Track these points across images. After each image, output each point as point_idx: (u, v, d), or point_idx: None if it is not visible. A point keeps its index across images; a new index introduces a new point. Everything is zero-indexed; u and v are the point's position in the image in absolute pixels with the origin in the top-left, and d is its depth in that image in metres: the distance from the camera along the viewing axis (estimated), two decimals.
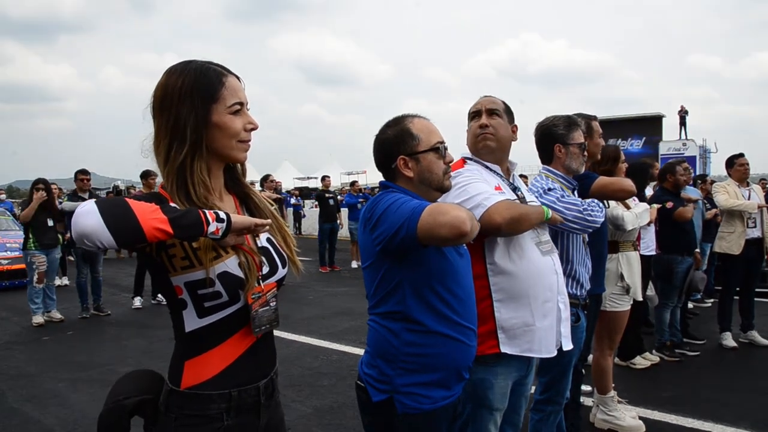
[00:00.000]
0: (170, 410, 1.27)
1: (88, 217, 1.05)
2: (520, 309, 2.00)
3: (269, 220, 1.30)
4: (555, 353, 2.10)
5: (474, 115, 2.16)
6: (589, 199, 2.41)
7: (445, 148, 1.73)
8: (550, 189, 2.42)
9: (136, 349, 5.50)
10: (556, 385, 2.55)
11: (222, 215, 1.17)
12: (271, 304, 1.33)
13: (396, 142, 1.71)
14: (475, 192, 1.94)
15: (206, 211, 1.16)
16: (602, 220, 2.36)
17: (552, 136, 2.55)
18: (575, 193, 2.61)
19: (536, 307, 2.01)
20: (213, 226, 1.15)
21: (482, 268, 2.01)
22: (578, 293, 2.55)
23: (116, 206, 1.08)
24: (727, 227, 5.30)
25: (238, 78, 1.32)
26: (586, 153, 2.57)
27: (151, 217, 1.08)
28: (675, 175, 4.89)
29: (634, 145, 20.59)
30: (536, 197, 2.36)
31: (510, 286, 2.00)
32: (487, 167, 2.14)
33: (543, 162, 2.64)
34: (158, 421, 1.30)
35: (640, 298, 3.74)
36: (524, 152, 2.72)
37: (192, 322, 1.27)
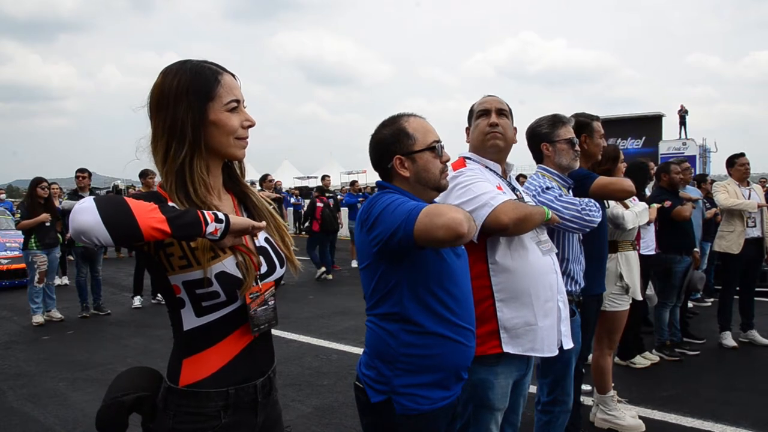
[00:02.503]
0: (168, 407, 1.27)
1: (85, 213, 1.05)
2: (523, 308, 2.00)
3: (264, 223, 1.30)
4: (556, 352, 2.10)
5: (482, 113, 2.17)
6: (587, 199, 2.41)
7: (442, 147, 1.72)
8: (548, 188, 2.43)
9: (135, 349, 5.50)
10: (560, 384, 2.56)
11: (221, 216, 1.18)
12: (270, 303, 1.33)
13: (392, 142, 1.70)
14: (480, 191, 1.95)
15: (205, 212, 1.16)
16: (599, 220, 2.37)
17: (538, 137, 2.59)
18: (570, 192, 2.61)
19: (538, 306, 2.02)
20: (212, 227, 1.15)
21: (484, 267, 2.01)
22: (573, 290, 2.57)
23: (114, 204, 1.08)
24: (727, 226, 5.30)
25: (233, 76, 1.32)
26: (578, 148, 2.58)
27: (149, 216, 1.08)
28: (670, 174, 4.90)
29: (634, 144, 20.59)
30: (534, 195, 2.37)
31: (512, 285, 2.01)
32: (487, 167, 2.14)
33: (538, 163, 2.66)
34: (156, 418, 1.30)
35: (640, 298, 3.75)
36: (525, 152, 2.74)
37: (190, 320, 1.27)
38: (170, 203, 1.23)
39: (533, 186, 2.48)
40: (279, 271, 1.39)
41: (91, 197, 1.10)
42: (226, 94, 1.28)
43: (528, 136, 2.63)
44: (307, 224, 9.61)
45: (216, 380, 1.27)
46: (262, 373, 1.36)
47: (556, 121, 2.56)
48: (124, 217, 1.06)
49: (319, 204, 9.61)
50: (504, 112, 2.15)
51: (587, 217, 2.31)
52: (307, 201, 20.85)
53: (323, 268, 9.58)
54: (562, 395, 2.57)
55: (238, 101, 1.30)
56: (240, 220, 1.23)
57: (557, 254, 2.26)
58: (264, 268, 1.34)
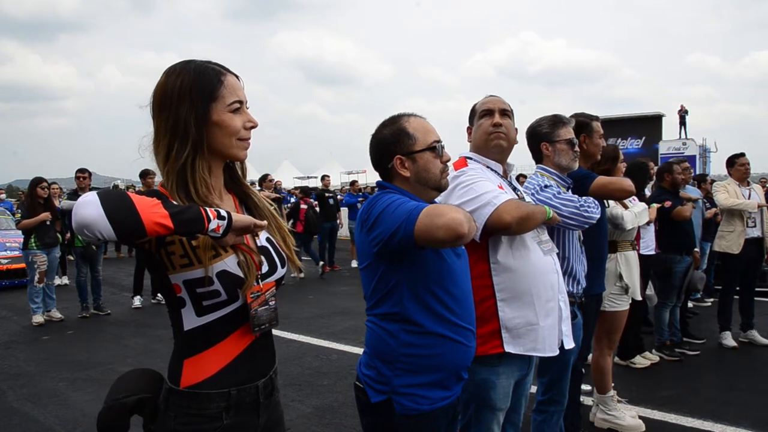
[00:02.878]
0: (169, 409, 1.27)
1: (89, 207, 1.05)
2: (524, 308, 2.01)
3: (266, 222, 1.30)
4: (558, 352, 2.10)
5: (485, 113, 2.17)
6: (585, 197, 2.42)
7: (442, 147, 1.72)
8: (546, 186, 2.44)
9: (135, 349, 5.50)
10: (557, 385, 2.57)
11: (223, 213, 1.18)
12: (270, 303, 1.33)
13: (392, 142, 1.70)
14: (482, 190, 1.95)
15: (207, 208, 1.16)
16: (598, 216, 2.38)
17: (538, 136, 2.60)
18: (569, 191, 2.62)
19: (540, 305, 2.02)
20: (214, 223, 1.15)
21: (485, 267, 2.02)
22: (575, 290, 2.57)
23: (118, 198, 1.08)
24: (727, 226, 5.30)
25: (236, 77, 1.32)
26: (577, 149, 2.59)
27: (152, 211, 1.08)
28: (673, 174, 4.90)
29: (634, 144, 20.61)
30: (532, 194, 2.38)
31: (514, 284, 2.01)
32: (488, 167, 2.15)
33: (537, 163, 2.67)
34: (157, 420, 1.30)
35: (639, 298, 3.75)
36: (525, 152, 2.75)
37: (190, 320, 1.27)
38: (172, 201, 1.24)
39: (531, 185, 2.49)
40: (280, 271, 1.39)
41: (95, 191, 1.10)
42: (229, 95, 1.28)
43: (528, 135, 2.64)
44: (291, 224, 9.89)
45: (217, 381, 1.26)
46: (264, 374, 1.36)
47: (556, 121, 2.57)
48: (127, 212, 1.06)
49: (303, 206, 9.79)
50: (507, 113, 2.15)
51: (586, 214, 2.32)
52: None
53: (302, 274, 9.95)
54: (558, 395, 2.59)
55: (241, 102, 1.30)
56: (242, 218, 1.23)
57: (557, 253, 2.27)
58: (265, 268, 1.34)
